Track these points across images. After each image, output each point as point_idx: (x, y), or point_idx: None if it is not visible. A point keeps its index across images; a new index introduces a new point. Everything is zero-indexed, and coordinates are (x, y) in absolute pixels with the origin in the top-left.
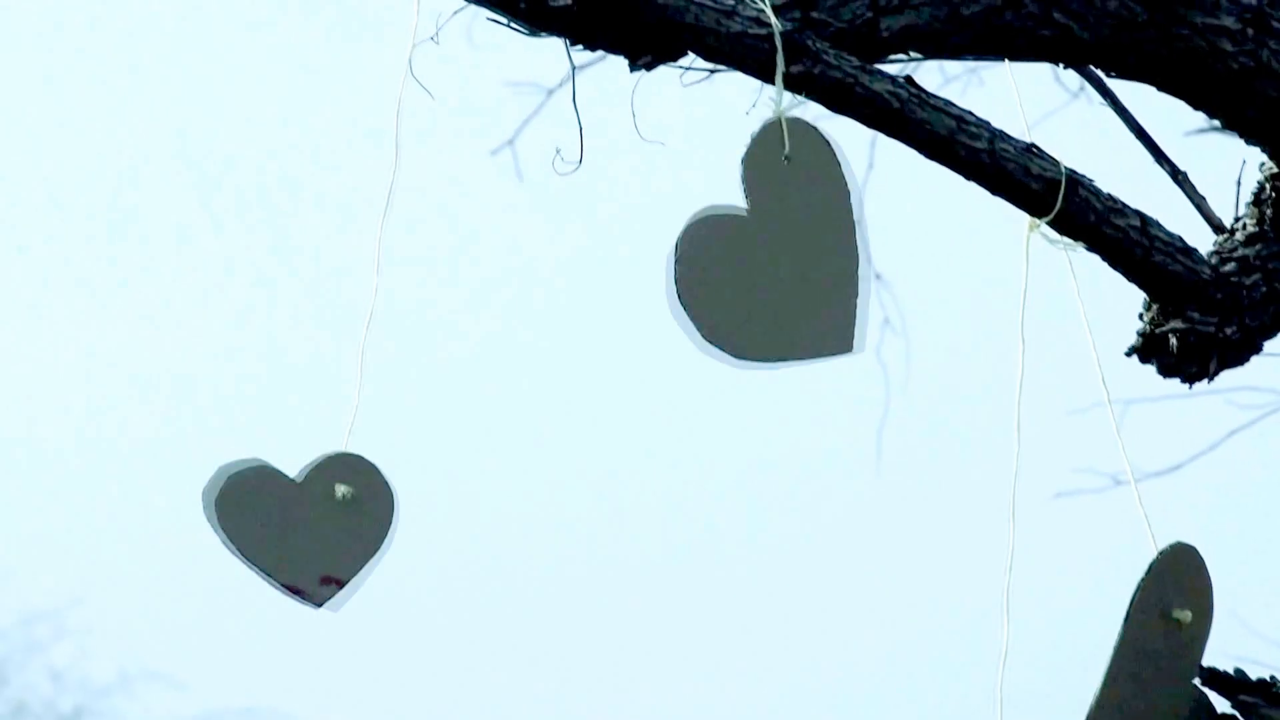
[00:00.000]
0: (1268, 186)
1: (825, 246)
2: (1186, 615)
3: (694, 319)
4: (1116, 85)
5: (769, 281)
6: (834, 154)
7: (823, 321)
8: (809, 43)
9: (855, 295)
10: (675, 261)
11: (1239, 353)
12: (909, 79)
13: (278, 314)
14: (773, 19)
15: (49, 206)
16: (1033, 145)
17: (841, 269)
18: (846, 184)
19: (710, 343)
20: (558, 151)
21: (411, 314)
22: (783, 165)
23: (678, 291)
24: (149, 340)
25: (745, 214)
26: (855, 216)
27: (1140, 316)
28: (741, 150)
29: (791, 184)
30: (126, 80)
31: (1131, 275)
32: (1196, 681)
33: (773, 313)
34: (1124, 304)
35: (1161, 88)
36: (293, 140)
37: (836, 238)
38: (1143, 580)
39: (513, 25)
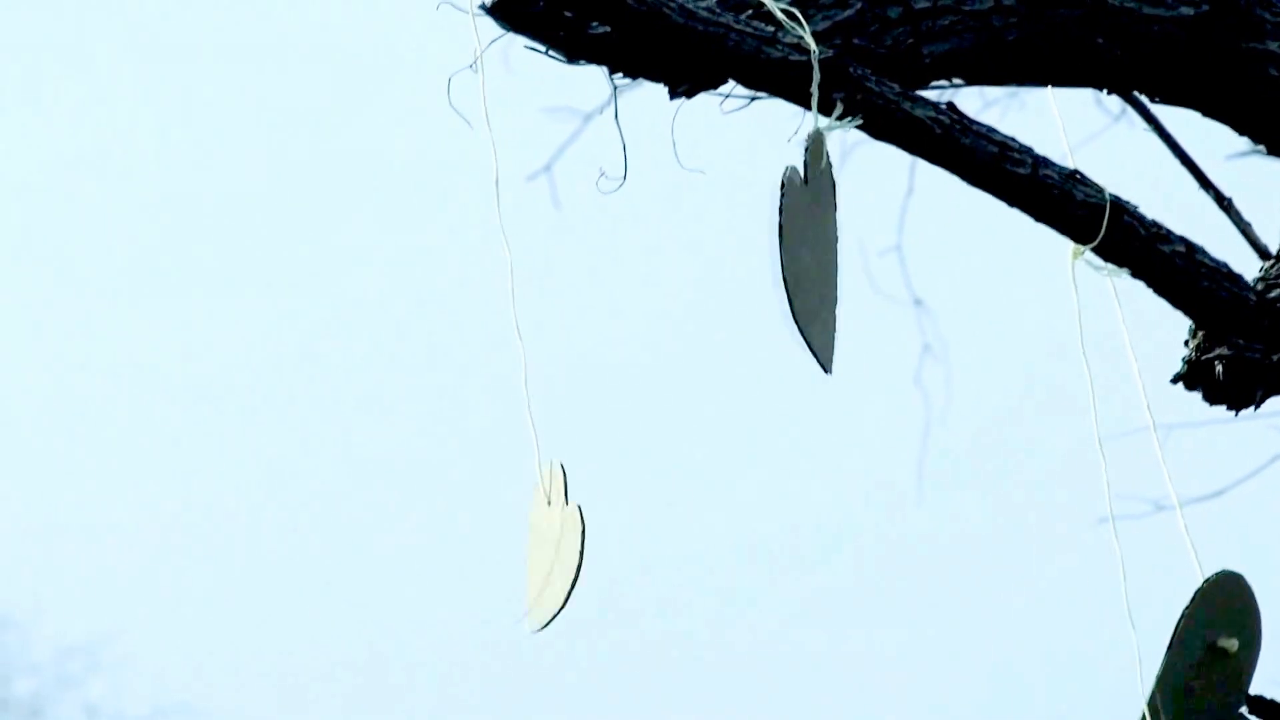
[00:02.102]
0: None
1: (824, 271)
2: (1233, 644)
3: (782, 249)
4: (1160, 110)
5: (806, 264)
6: (833, 199)
7: (818, 330)
8: (850, 69)
9: (830, 330)
10: (781, 194)
11: None
12: (951, 105)
13: (316, 357)
14: (813, 45)
15: (127, 246)
16: (1076, 171)
17: (828, 296)
18: (836, 231)
19: (783, 277)
20: (602, 173)
21: (436, 334)
22: (816, 179)
23: (780, 217)
24: (185, 382)
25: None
26: (837, 263)
27: (1186, 343)
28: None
29: (815, 199)
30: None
31: (1177, 302)
32: (1244, 710)
33: (809, 288)
34: (1169, 330)
35: (1205, 113)
36: (318, 161)
37: (827, 272)
38: (1188, 608)
39: (551, 54)
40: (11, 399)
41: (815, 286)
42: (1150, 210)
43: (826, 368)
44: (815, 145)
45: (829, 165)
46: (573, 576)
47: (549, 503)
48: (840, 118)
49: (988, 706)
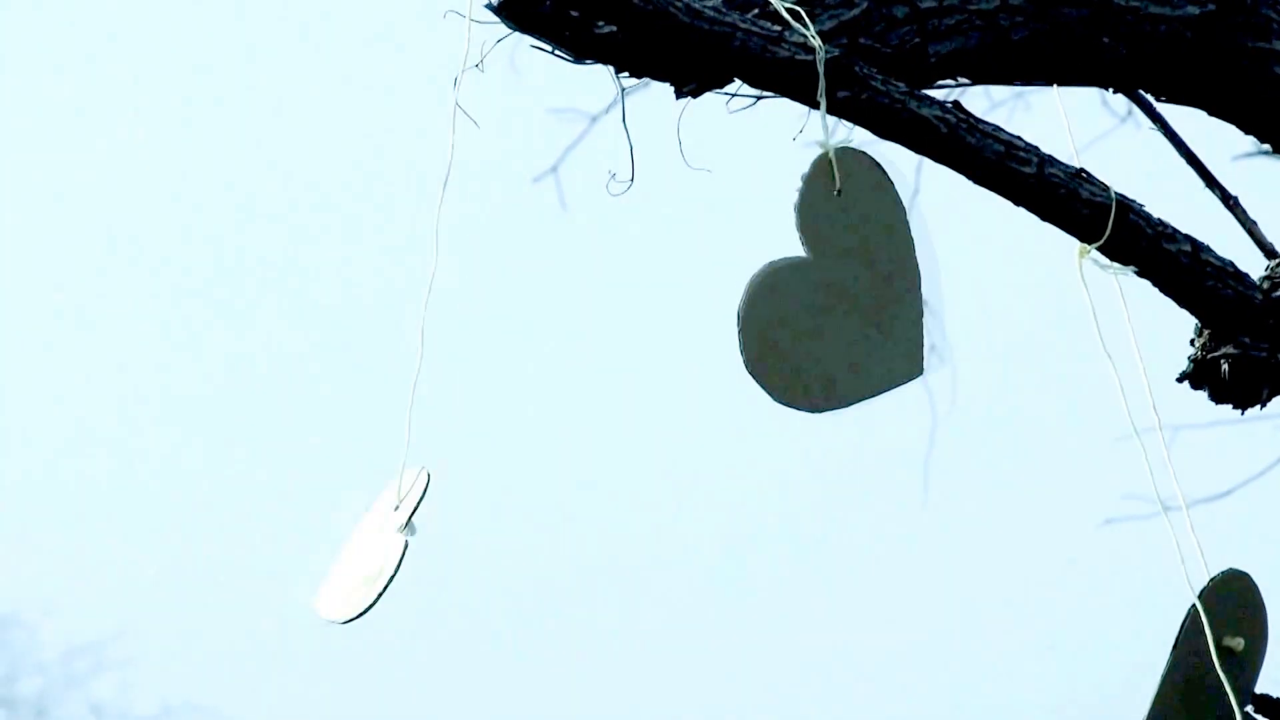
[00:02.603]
0: None
1: (886, 273)
2: (1238, 642)
3: (765, 386)
4: (1166, 109)
5: (837, 325)
6: (884, 175)
7: (890, 352)
8: (856, 68)
9: (919, 318)
10: (739, 331)
11: None
12: (957, 104)
13: (320, 349)
14: (818, 45)
15: (97, 257)
16: (1082, 170)
17: (903, 293)
18: (898, 204)
19: (786, 404)
20: (612, 175)
21: (450, 337)
22: (834, 199)
23: (744, 361)
24: (190, 375)
25: (808, 260)
26: (912, 234)
27: (1191, 342)
28: (794, 194)
29: (846, 216)
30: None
31: (1182, 301)
32: (1250, 710)
33: (844, 356)
34: (1174, 329)
35: (1211, 111)
36: (332, 167)
37: (896, 262)
38: (1193, 607)
39: (557, 53)
40: (15, 398)
41: (852, 343)
42: (1156, 209)
43: (919, 373)
44: (818, 167)
45: (864, 170)
46: (379, 592)
47: (396, 508)
48: (842, 117)
49: (991, 706)
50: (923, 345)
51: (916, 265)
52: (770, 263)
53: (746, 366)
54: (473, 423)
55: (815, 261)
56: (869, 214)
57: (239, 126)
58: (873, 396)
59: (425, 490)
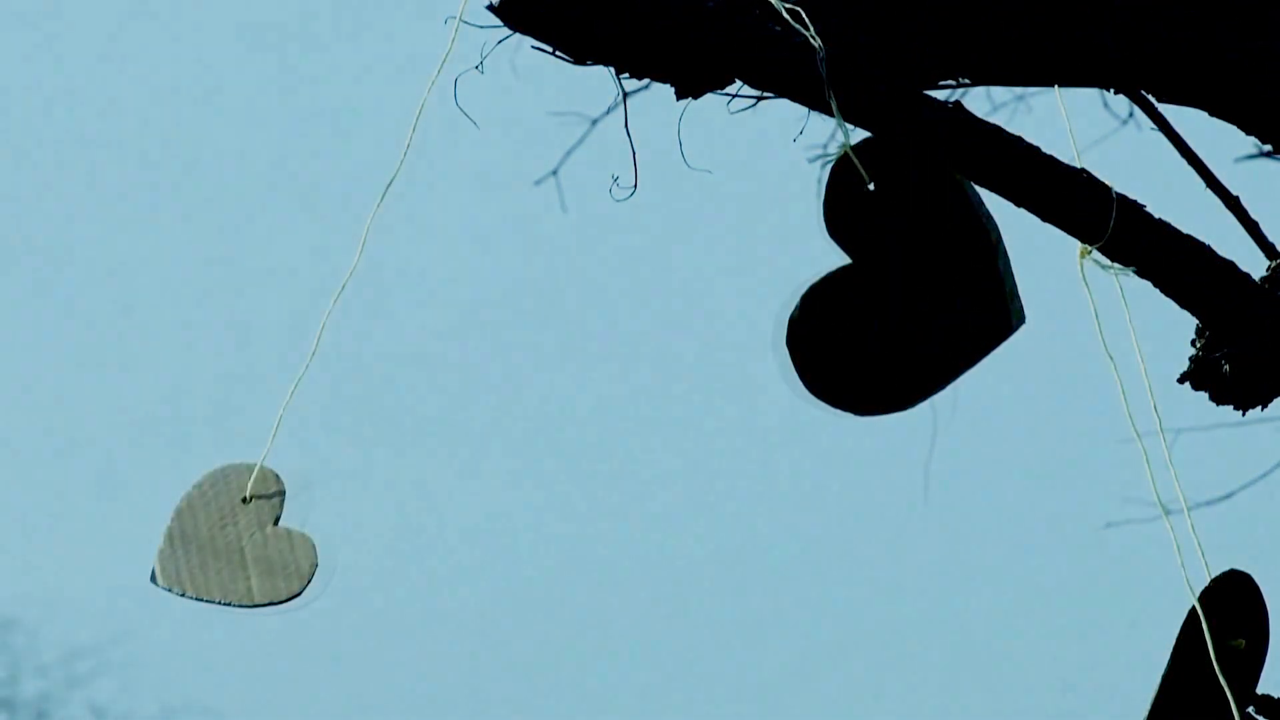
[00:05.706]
0: None
1: (950, 243)
2: (1240, 643)
3: (841, 409)
4: (1167, 109)
5: (903, 318)
6: (920, 152)
7: (976, 315)
8: (857, 69)
9: (1002, 268)
10: (799, 374)
11: None
12: (958, 104)
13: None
14: (818, 45)
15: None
16: (1083, 170)
17: (979, 252)
18: (944, 171)
19: (868, 415)
20: (615, 179)
21: (451, 339)
22: (867, 195)
23: (810, 394)
24: (190, 384)
25: (851, 265)
26: (970, 194)
27: (1192, 343)
28: (817, 206)
29: (884, 207)
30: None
31: (1183, 301)
32: (1252, 710)
33: (920, 342)
34: (1175, 329)
35: (1212, 112)
36: (324, 166)
37: (960, 223)
38: (1194, 607)
39: (558, 54)
40: (18, 398)
41: (926, 328)
42: (1157, 210)
43: (1018, 323)
44: (840, 169)
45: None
46: (303, 588)
47: (246, 499)
48: (843, 117)
49: (990, 704)
50: (1010, 296)
51: (982, 219)
52: (800, 283)
53: (813, 399)
54: (472, 422)
55: (859, 262)
56: (913, 194)
57: (232, 126)
58: (969, 369)
59: (283, 494)
